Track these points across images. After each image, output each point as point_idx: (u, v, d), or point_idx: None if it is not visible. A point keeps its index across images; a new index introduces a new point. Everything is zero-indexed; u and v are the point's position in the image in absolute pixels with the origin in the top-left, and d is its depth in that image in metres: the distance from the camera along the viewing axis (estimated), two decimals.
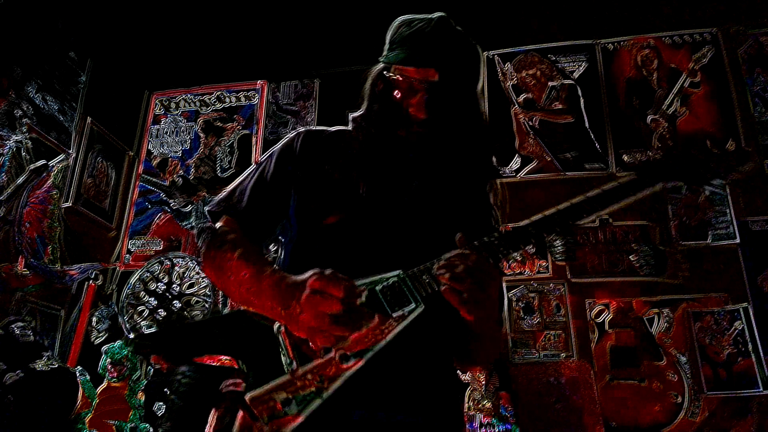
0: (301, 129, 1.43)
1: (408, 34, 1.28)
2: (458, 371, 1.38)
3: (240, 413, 1.03)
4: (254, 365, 1.05)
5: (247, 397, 0.99)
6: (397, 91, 1.26)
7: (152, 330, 1.21)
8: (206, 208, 1.38)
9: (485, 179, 1.45)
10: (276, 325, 1.08)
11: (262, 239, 1.37)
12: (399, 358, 1.12)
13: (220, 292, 3.89)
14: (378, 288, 1.09)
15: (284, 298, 1.05)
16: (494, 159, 1.47)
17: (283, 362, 1.04)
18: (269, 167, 1.37)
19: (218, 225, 1.34)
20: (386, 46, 1.34)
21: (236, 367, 1.05)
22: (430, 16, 1.30)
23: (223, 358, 1.07)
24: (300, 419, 0.98)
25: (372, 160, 1.30)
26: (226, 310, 3.83)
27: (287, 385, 1.01)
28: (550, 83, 4.04)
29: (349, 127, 1.39)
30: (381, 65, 1.33)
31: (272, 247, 1.44)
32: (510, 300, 3.59)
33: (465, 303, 1.04)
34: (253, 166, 1.41)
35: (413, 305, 1.07)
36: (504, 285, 3.63)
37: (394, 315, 1.06)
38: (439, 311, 1.09)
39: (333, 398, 1.02)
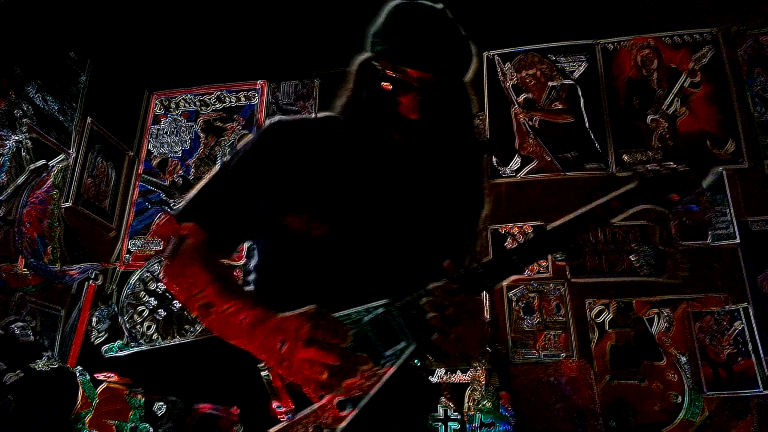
0: (274, 119, 1.30)
1: (405, 28, 1.17)
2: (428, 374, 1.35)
3: None
4: (235, 394, 1.02)
5: None
6: (387, 84, 1.16)
7: (124, 353, 1.12)
8: (173, 213, 1.28)
9: (478, 177, 1.38)
10: (264, 372, 1.02)
11: (233, 246, 1.24)
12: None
13: None
14: (366, 320, 1.04)
15: (274, 343, 0.99)
16: (488, 157, 1.40)
17: (275, 407, 1.00)
18: (238, 165, 1.25)
19: (182, 232, 1.19)
20: (378, 31, 1.21)
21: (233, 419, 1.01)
22: (428, 5, 1.21)
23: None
24: None
25: (358, 159, 1.21)
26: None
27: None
28: (550, 83, 4.04)
29: (333, 114, 1.28)
30: (370, 54, 1.22)
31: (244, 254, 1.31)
32: (510, 300, 3.59)
33: (451, 344, 1.03)
34: (221, 164, 1.28)
35: (404, 344, 1.03)
36: (504, 284, 3.61)
37: (387, 354, 1.02)
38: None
39: None
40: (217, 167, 1.28)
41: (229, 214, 1.20)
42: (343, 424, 0.97)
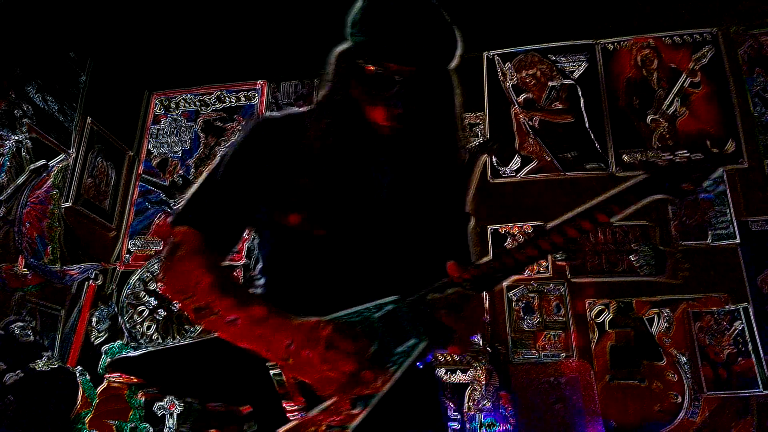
0: (261, 117, 1.28)
1: (384, 18, 1.11)
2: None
3: None
4: (243, 394, 1.03)
5: None
6: (370, 81, 1.12)
7: (132, 354, 1.11)
8: (170, 219, 1.22)
9: (461, 169, 1.34)
10: (274, 371, 1.03)
11: (229, 246, 1.22)
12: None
13: None
14: (376, 316, 1.05)
15: (280, 341, 1.01)
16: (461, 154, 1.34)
17: (286, 405, 1.01)
18: (230, 164, 1.22)
19: (176, 237, 1.16)
20: (354, 20, 1.15)
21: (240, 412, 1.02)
22: None
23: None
24: None
25: (340, 149, 1.17)
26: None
27: (300, 429, 0.99)
28: (550, 83, 4.04)
29: (315, 107, 1.24)
30: (350, 45, 1.17)
31: (246, 255, 1.31)
32: (510, 300, 3.59)
33: (460, 341, 1.09)
34: (211, 166, 1.25)
35: (415, 340, 1.04)
36: (504, 284, 3.61)
37: (397, 351, 1.04)
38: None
39: None
40: (207, 171, 1.26)
41: (222, 214, 1.18)
42: (355, 422, 0.98)
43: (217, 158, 1.25)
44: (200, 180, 1.24)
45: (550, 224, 1.13)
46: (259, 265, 1.27)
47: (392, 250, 1.14)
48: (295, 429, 0.99)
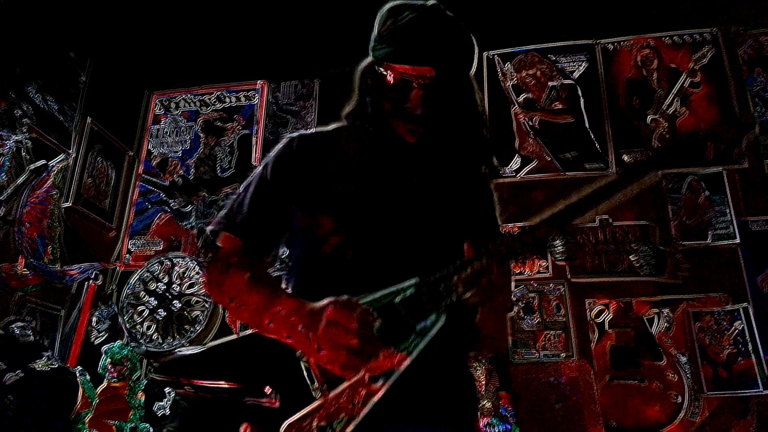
0: (294, 134, 1.36)
1: (400, 27, 1.18)
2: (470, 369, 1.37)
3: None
4: (278, 388, 1.05)
5: (284, 425, 1.00)
6: (391, 89, 1.19)
7: (178, 356, 1.17)
8: (208, 229, 1.31)
9: (485, 172, 1.40)
10: (299, 351, 1.07)
11: (267, 253, 1.30)
12: (416, 366, 1.11)
13: None
14: (396, 301, 1.08)
15: (302, 327, 1.05)
16: (493, 157, 1.43)
17: (310, 386, 1.04)
18: (267, 176, 1.30)
19: (218, 244, 1.26)
20: (374, 37, 1.24)
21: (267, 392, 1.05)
22: (422, 3, 1.21)
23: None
24: None
25: (371, 161, 1.25)
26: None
27: (321, 410, 1.01)
28: (550, 83, 4.04)
29: (343, 124, 1.32)
30: (371, 59, 1.25)
31: (281, 263, 1.38)
32: None
33: (489, 312, 1.11)
34: (249, 179, 1.34)
35: (434, 317, 1.07)
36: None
37: (418, 328, 1.06)
38: (450, 314, 1.09)
39: (364, 418, 1.02)
40: (244, 183, 1.36)
41: (259, 222, 1.26)
42: (376, 397, 1.00)
43: (254, 172, 1.34)
44: (236, 194, 1.34)
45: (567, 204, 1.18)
46: (291, 270, 1.34)
47: (421, 250, 1.16)
48: (315, 410, 1.01)
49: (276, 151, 1.34)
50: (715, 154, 1.24)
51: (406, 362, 1.03)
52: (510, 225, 3.74)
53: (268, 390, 1.05)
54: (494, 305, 1.11)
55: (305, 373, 1.05)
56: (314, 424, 1.00)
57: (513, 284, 1.46)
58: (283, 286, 1.29)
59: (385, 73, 1.19)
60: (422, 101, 1.16)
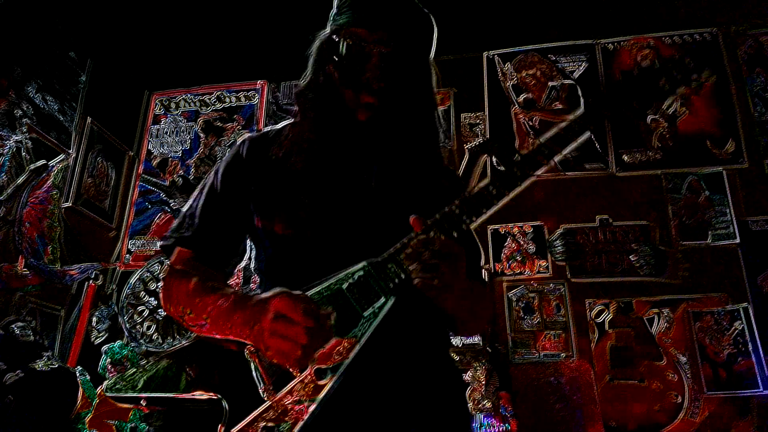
0: (245, 136, 1.34)
1: None
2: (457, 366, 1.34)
3: None
4: (229, 394, 1.02)
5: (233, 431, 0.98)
6: (347, 56, 1.16)
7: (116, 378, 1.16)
8: (159, 243, 1.29)
9: (438, 153, 1.34)
10: (246, 349, 1.03)
11: (224, 262, 1.28)
12: (395, 363, 1.09)
13: None
14: (345, 286, 1.04)
15: (248, 319, 1.01)
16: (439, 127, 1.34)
17: (258, 386, 1.01)
18: (217, 183, 1.27)
19: (171, 260, 1.24)
20: (333, 11, 1.24)
21: (212, 397, 1.03)
22: None
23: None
24: None
25: (325, 144, 1.20)
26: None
27: (268, 413, 0.98)
28: (550, 83, 4.04)
29: (292, 119, 1.29)
30: (327, 30, 1.24)
31: (250, 265, 1.36)
32: (510, 300, 3.59)
33: (438, 291, 1.01)
34: (199, 187, 1.31)
35: (383, 299, 1.03)
36: (504, 284, 3.61)
37: (365, 314, 1.03)
38: (414, 296, 1.04)
39: (340, 422, 1.00)
40: (194, 193, 1.32)
41: (210, 231, 1.24)
42: (323, 393, 0.98)
43: (206, 177, 1.31)
44: (188, 202, 1.30)
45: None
46: (259, 268, 1.29)
47: (387, 237, 1.11)
48: (262, 413, 0.99)
49: (225, 158, 1.32)
50: (671, 86, 1.16)
51: (355, 349, 1.00)
52: (510, 225, 3.75)
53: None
54: (444, 280, 1.00)
55: (254, 374, 1.02)
56: (261, 425, 0.97)
57: (481, 260, 1.38)
58: (253, 287, 1.27)
59: (341, 40, 1.17)
60: (380, 72, 1.13)
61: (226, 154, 1.32)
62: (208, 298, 1.10)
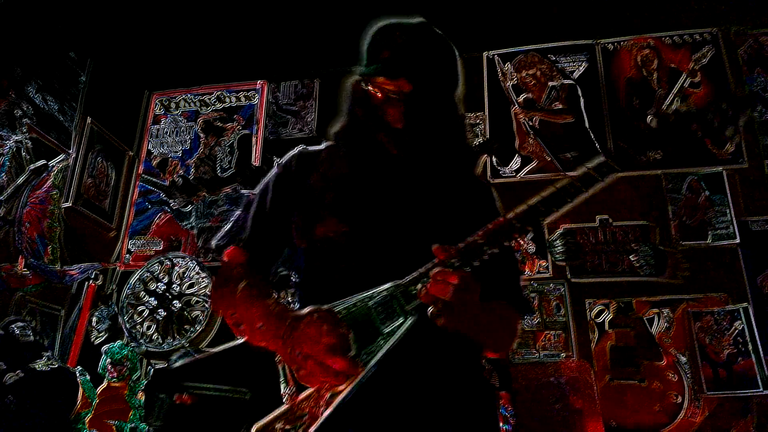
0: (296, 150, 1.44)
1: (380, 44, 1.26)
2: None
3: None
4: (258, 391, 1.08)
5: (254, 428, 1.03)
6: (374, 101, 1.25)
7: (175, 364, 1.21)
8: (213, 242, 1.40)
9: (470, 180, 1.42)
10: (277, 356, 1.10)
11: (270, 265, 1.37)
12: (422, 373, 1.13)
13: None
14: (371, 303, 1.10)
15: (278, 332, 1.08)
16: (482, 161, 1.46)
17: (282, 389, 1.07)
18: (269, 192, 1.38)
19: (224, 259, 1.34)
20: (362, 55, 1.32)
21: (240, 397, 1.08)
22: (406, 21, 1.28)
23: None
24: None
25: (358, 173, 1.30)
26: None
27: (287, 414, 1.04)
28: (550, 83, 4.04)
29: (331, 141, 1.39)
30: (357, 76, 1.32)
31: (286, 273, 1.46)
32: None
33: (446, 322, 1.05)
34: (254, 193, 1.42)
35: (402, 319, 1.08)
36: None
37: (385, 331, 1.08)
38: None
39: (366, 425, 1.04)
40: (246, 200, 1.43)
41: (261, 237, 1.34)
42: (339, 399, 1.02)
43: (263, 182, 1.42)
44: (241, 207, 1.42)
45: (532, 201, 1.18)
46: (295, 279, 1.41)
47: (417, 257, 1.16)
48: (283, 414, 1.04)
49: (279, 167, 1.42)
50: (704, 134, 1.18)
51: (370, 364, 1.05)
52: None
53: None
54: (451, 313, 1.05)
55: (281, 377, 1.08)
56: (278, 426, 1.03)
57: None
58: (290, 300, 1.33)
59: (367, 88, 1.26)
60: (402, 115, 1.22)
61: (276, 169, 1.43)
62: (252, 306, 1.17)
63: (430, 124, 1.26)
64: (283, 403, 1.05)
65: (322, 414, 1.01)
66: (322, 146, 1.42)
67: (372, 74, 1.25)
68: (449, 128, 1.32)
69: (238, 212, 1.41)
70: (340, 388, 1.02)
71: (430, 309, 1.05)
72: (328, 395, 1.03)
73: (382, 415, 1.10)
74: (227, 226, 1.40)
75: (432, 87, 1.24)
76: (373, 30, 1.31)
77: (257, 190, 1.41)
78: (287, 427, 1.02)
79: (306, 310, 1.08)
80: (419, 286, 1.08)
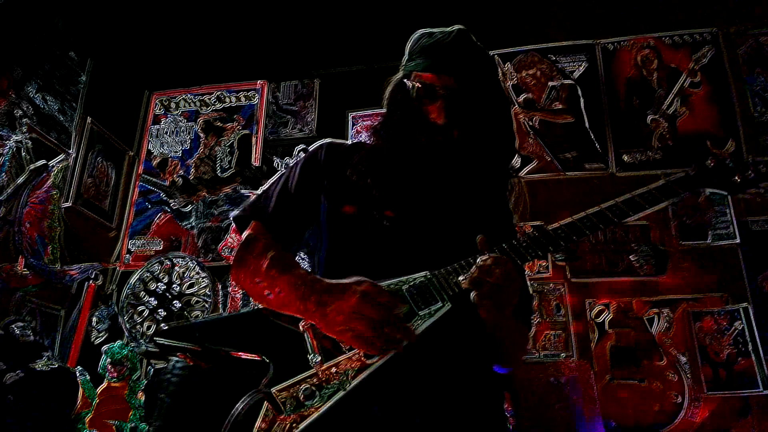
0: (324, 141, 1.50)
1: (428, 44, 1.34)
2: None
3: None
4: (274, 362, 1.09)
5: (274, 390, 1.04)
6: (417, 98, 1.31)
7: (169, 326, 1.21)
8: (233, 214, 1.42)
9: (505, 182, 1.48)
10: (301, 324, 1.12)
11: (290, 243, 1.41)
12: (437, 363, 1.15)
13: (220, 293, 3.88)
14: (405, 288, 1.13)
15: (321, 298, 1.10)
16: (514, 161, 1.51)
17: (309, 358, 1.08)
18: (294, 175, 1.42)
19: (247, 232, 1.38)
20: (405, 57, 1.40)
21: (259, 359, 1.08)
22: (449, 28, 1.37)
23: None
24: (322, 410, 1.02)
25: (395, 167, 1.34)
26: (226, 312, 3.83)
27: (312, 379, 1.06)
28: (550, 83, 4.04)
29: (367, 140, 1.44)
30: (400, 75, 1.40)
31: (304, 256, 1.50)
32: None
33: (490, 309, 1.10)
34: (277, 175, 1.46)
35: (440, 304, 1.11)
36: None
37: (421, 313, 1.11)
38: (467, 313, 1.12)
39: (384, 410, 1.06)
40: (271, 180, 1.48)
41: (284, 214, 1.38)
42: (366, 372, 1.05)
43: (289, 167, 1.48)
44: (267, 184, 1.47)
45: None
46: (317, 264, 1.41)
47: (447, 247, 1.21)
48: (306, 378, 1.06)
49: (306, 155, 1.48)
50: (741, 182, 1.29)
51: (406, 342, 1.07)
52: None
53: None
54: (498, 304, 1.11)
55: (307, 344, 1.10)
56: (302, 390, 1.04)
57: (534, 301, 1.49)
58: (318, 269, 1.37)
59: (412, 84, 1.32)
60: (445, 111, 1.28)
61: (303, 155, 1.50)
62: (282, 275, 1.19)
63: (471, 122, 1.31)
64: (309, 368, 1.07)
65: (351, 382, 1.04)
66: (350, 142, 1.47)
67: (419, 70, 1.32)
68: (497, 128, 1.38)
69: (260, 190, 1.44)
70: (369, 358, 1.05)
71: (473, 294, 1.08)
72: (357, 365, 1.05)
73: (398, 392, 1.12)
74: (249, 201, 1.45)
75: (475, 87, 1.30)
76: (418, 33, 1.41)
77: (285, 170, 1.45)
78: (312, 387, 1.04)
79: (352, 278, 1.11)
80: (460, 277, 1.12)
